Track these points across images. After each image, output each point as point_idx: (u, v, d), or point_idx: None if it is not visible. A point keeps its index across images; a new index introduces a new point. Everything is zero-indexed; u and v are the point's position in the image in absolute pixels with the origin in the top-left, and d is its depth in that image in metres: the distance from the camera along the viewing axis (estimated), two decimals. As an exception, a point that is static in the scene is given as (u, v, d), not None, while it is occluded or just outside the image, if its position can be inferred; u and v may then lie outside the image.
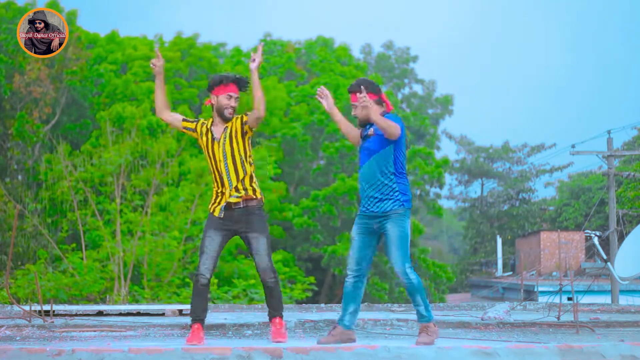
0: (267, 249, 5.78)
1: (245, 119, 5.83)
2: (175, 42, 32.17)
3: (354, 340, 5.65)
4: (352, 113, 5.92)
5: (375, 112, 5.67)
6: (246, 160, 5.82)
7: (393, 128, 5.61)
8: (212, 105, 5.87)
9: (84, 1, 41.52)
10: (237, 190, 5.77)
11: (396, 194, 5.68)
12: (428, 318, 5.63)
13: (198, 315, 5.74)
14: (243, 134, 5.82)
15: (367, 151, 5.75)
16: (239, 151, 5.79)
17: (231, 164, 5.77)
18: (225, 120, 5.83)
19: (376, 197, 5.68)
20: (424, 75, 42.54)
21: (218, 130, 5.84)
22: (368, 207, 5.71)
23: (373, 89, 5.83)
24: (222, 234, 5.78)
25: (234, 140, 5.79)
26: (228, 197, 5.76)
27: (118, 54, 30.94)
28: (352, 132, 6.03)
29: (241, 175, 5.78)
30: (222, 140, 5.80)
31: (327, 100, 6.07)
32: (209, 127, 5.88)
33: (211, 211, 5.85)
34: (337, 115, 6.05)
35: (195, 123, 5.97)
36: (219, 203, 5.81)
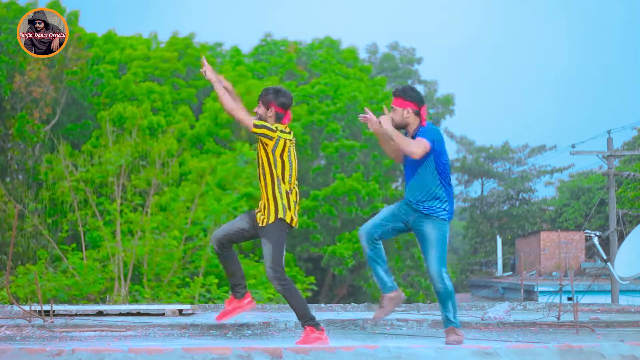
0: (271, 255, 5.70)
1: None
2: (172, 42, 32.22)
3: (403, 298, 6.04)
4: (392, 115, 5.86)
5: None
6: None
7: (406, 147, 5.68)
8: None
9: (84, 1, 41.52)
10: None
11: (441, 201, 5.84)
12: (456, 324, 5.75)
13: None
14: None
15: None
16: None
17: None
18: None
19: (423, 200, 5.83)
20: (425, 75, 42.49)
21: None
22: (414, 203, 5.84)
23: (415, 99, 5.88)
24: (245, 222, 5.89)
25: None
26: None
27: (115, 54, 30.99)
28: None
29: None
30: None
31: (371, 123, 5.99)
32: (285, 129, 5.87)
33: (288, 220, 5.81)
34: (393, 131, 5.76)
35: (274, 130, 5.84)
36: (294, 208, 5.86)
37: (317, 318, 5.85)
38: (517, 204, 40.32)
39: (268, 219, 5.72)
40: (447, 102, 40.25)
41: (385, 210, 6.01)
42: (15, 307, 8.93)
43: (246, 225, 5.87)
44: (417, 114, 5.85)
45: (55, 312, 8.32)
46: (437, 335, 6.43)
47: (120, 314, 8.70)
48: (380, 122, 5.74)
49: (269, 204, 5.73)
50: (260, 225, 5.75)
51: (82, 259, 18.36)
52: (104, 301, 16.58)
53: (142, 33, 34.35)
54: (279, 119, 5.81)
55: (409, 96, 5.87)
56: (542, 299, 17.40)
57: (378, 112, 6.05)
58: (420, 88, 41.29)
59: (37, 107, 25.17)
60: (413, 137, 5.79)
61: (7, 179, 24.66)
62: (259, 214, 5.78)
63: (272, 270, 5.67)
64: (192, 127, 28.20)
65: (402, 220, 5.91)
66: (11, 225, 19.78)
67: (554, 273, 27.16)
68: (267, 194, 5.74)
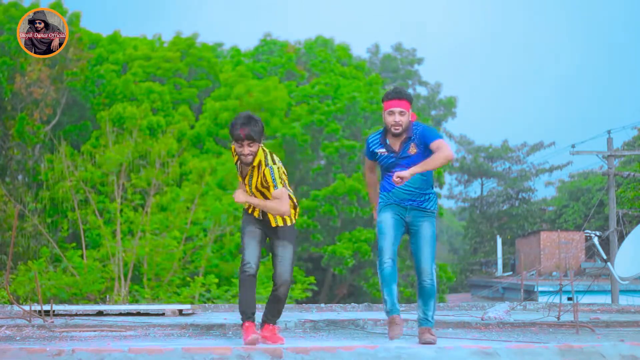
0: (291, 259, 5.72)
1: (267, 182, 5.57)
2: (175, 42, 32.22)
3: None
4: (397, 120, 5.74)
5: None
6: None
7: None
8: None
9: (88, 1, 41.55)
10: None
11: (432, 196, 5.89)
12: (432, 324, 5.86)
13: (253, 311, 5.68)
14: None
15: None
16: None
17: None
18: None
19: (419, 194, 5.82)
20: (425, 76, 42.45)
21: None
22: (410, 199, 5.80)
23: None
24: (260, 231, 5.76)
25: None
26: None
27: (119, 54, 31.00)
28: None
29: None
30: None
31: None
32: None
33: (249, 212, 5.76)
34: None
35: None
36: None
37: (318, 318, 5.88)
38: (517, 203, 40.31)
39: (291, 219, 5.75)
40: (450, 105, 40.19)
41: (387, 227, 5.81)
42: (15, 307, 8.93)
43: (260, 232, 5.76)
44: None
45: (55, 312, 8.32)
46: (436, 336, 6.42)
47: (120, 314, 8.69)
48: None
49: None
50: (279, 225, 5.70)
51: (82, 257, 18.38)
52: (104, 301, 16.59)
53: (146, 34, 34.38)
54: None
55: (411, 98, 5.90)
56: (542, 299, 17.41)
57: (378, 112, 6.08)
58: (421, 89, 41.32)
59: (38, 108, 25.19)
60: (410, 137, 5.77)
61: (7, 179, 24.66)
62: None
63: (290, 275, 5.70)
64: (192, 127, 28.21)
65: (402, 224, 5.89)
66: (11, 225, 19.78)
67: (554, 273, 27.15)
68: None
